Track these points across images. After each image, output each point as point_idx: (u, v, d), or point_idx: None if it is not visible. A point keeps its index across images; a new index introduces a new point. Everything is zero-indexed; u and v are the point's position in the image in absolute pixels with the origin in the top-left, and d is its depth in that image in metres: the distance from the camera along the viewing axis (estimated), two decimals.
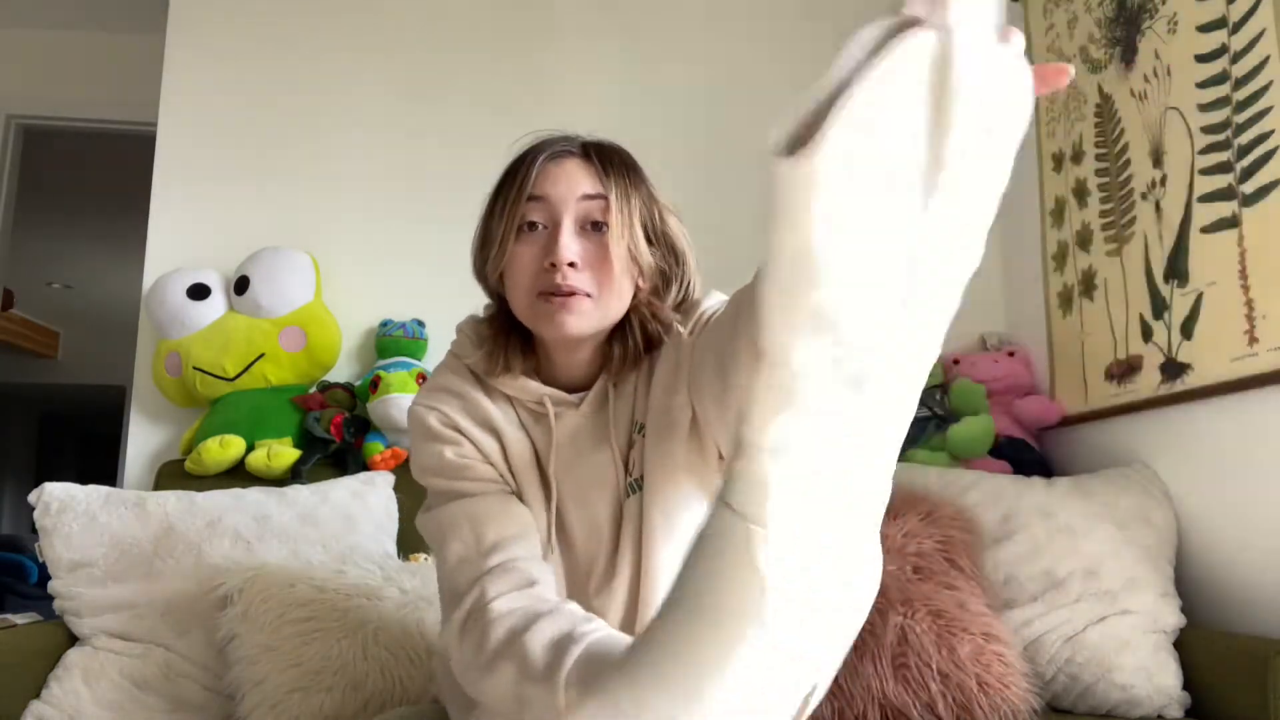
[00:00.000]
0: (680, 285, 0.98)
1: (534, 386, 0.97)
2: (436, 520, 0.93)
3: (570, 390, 0.98)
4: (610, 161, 0.95)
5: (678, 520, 0.95)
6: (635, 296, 0.96)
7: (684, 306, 0.99)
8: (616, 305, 0.94)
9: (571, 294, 0.90)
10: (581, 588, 0.97)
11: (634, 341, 0.96)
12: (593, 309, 0.91)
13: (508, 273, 0.94)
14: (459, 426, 0.95)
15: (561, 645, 0.75)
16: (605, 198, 0.91)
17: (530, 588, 0.85)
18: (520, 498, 0.95)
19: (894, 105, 0.46)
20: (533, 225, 0.92)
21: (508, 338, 0.98)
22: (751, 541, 0.55)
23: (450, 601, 0.88)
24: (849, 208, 0.47)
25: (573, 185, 0.92)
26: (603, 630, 0.78)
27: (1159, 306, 1.76)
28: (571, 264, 0.89)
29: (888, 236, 0.48)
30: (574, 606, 0.83)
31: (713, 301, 0.98)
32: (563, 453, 0.96)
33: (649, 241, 0.95)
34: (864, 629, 1.51)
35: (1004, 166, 0.51)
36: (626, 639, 0.75)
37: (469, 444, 0.95)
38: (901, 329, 0.51)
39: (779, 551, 0.55)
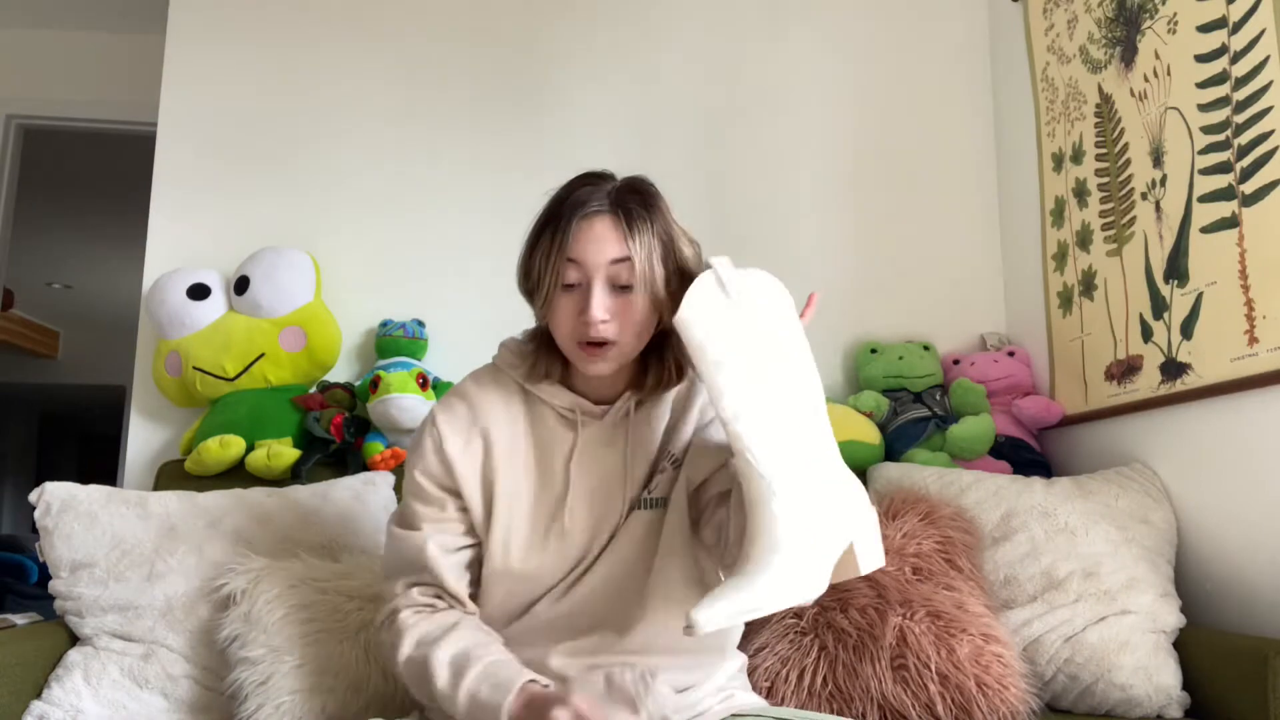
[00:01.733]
0: None
1: (567, 395, 1.17)
2: (392, 535, 1.19)
3: (596, 402, 1.18)
4: (633, 216, 1.10)
5: (683, 544, 1.15)
6: (660, 324, 1.14)
7: None
8: (638, 344, 1.14)
9: (602, 344, 1.10)
10: (569, 569, 1.15)
11: (669, 366, 1.18)
12: (618, 354, 1.12)
13: (551, 319, 1.13)
14: (443, 448, 1.15)
15: (459, 664, 1.06)
16: (629, 259, 1.08)
17: (431, 611, 1.14)
18: (491, 491, 1.15)
19: (701, 291, 1.03)
20: (570, 285, 1.10)
21: (549, 353, 1.17)
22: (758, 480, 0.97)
23: (382, 606, 1.19)
24: (711, 325, 1.03)
25: (602, 249, 1.09)
26: (496, 653, 1.08)
27: (1159, 306, 1.76)
28: (604, 320, 1.09)
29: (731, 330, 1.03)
30: (466, 625, 1.12)
31: None
32: (582, 455, 1.15)
33: (669, 279, 1.11)
34: (863, 629, 1.51)
35: (782, 313, 1.06)
36: (512, 660, 1.08)
37: (441, 468, 1.15)
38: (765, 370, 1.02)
39: (771, 473, 0.97)
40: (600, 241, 1.09)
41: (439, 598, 1.16)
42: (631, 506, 1.15)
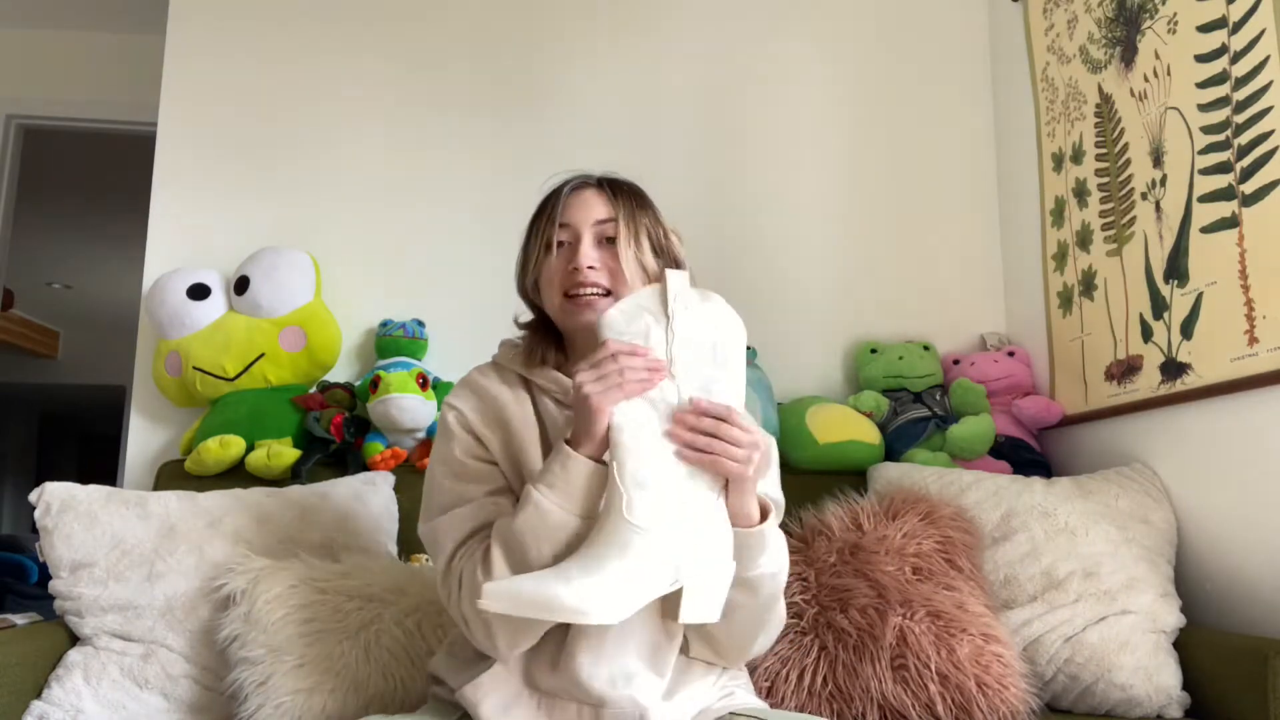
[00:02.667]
0: None
1: (563, 379, 1.17)
2: (435, 529, 1.13)
3: None
4: (620, 190, 1.19)
5: None
6: None
7: None
8: None
9: (592, 294, 1.13)
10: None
11: None
12: (610, 304, 1.10)
13: (541, 281, 1.18)
14: (470, 426, 1.15)
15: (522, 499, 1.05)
16: (614, 219, 1.15)
17: None
18: (521, 474, 1.14)
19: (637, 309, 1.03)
20: (560, 244, 1.17)
21: (544, 337, 1.21)
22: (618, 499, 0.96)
23: (447, 577, 1.10)
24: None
25: (589, 211, 1.17)
26: None
27: (1159, 306, 1.76)
28: (591, 267, 1.13)
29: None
30: None
31: None
32: None
33: (656, 254, 1.17)
34: (863, 629, 1.51)
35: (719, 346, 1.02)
36: None
37: (474, 441, 1.15)
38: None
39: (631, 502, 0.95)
40: (587, 206, 1.17)
41: None
42: None
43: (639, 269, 1.14)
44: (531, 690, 1.11)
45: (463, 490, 1.13)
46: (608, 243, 1.15)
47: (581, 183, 1.20)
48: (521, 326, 1.25)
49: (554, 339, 1.21)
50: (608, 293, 1.14)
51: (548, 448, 1.14)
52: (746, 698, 1.21)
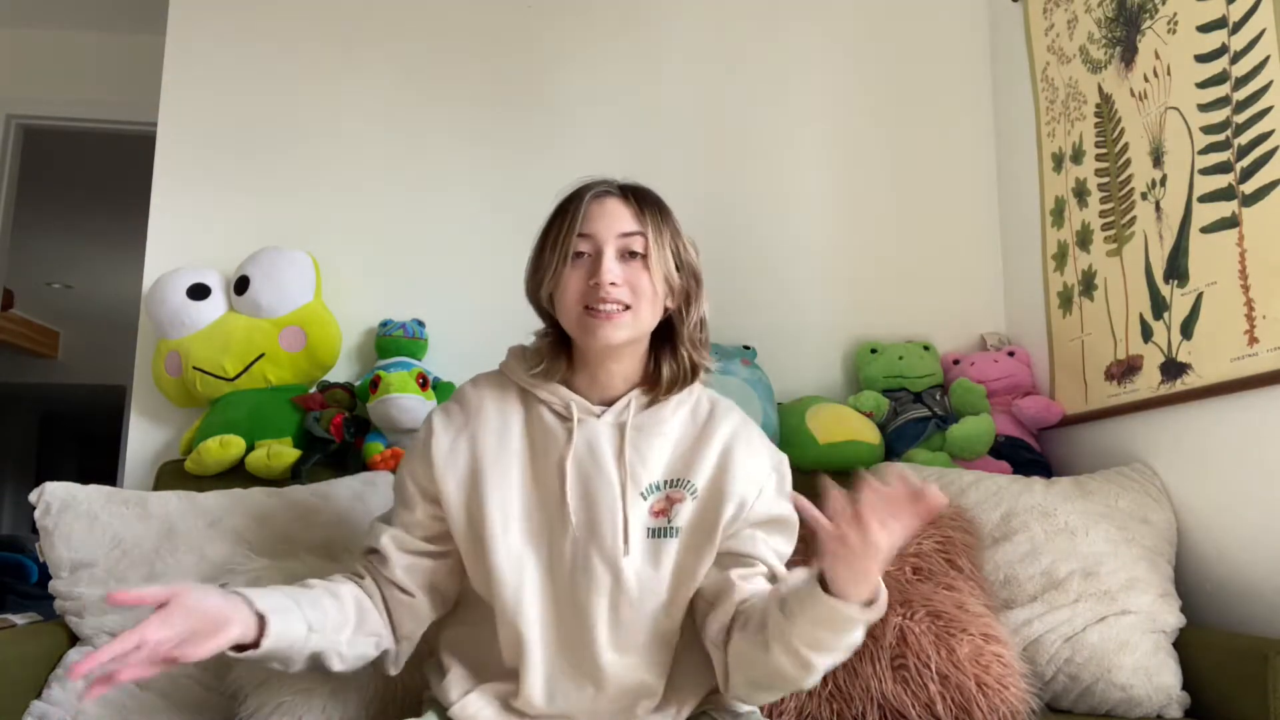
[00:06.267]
0: (698, 305, 1.18)
1: (564, 393, 1.15)
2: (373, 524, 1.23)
3: (598, 403, 1.16)
4: (645, 200, 1.15)
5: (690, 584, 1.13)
6: (672, 318, 1.16)
7: (701, 338, 1.19)
8: (649, 317, 1.13)
9: (613, 309, 1.10)
10: (568, 571, 1.12)
11: (684, 360, 1.16)
12: (630, 320, 1.11)
13: (558, 293, 1.13)
14: (431, 450, 1.16)
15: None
16: (642, 234, 1.12)
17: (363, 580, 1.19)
18: (480, 495, 1.13)
19: None
20: (580, 254, 1.12)
21: (555, 350, 1.18)
22: None
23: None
24: None
25: (613, 223, 1.12)
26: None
27: (1159, 306, 1.76)
28: (613, 283, 1.10)
29: None
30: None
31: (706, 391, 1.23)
32: (578, 455, 1.13)
33: (678, 268, 1.15)
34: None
35: None
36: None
37: (424, 467, 1.16)
38: None
39: None
40: (611, 216, 1.12)
41: (374, 576, 1.18)
42: (646, 533, 1.11)
43: (665, 285, 1.13)
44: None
45: (394, 510, 1.20)
46: (629, 256, 1.12)
47: (604, 190, 1.15)
48: (539, 337, 1.23)
49: (565, 351, 1.18)
50: (627, 308, 1.11)
51: (536, 457, 1.15)
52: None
